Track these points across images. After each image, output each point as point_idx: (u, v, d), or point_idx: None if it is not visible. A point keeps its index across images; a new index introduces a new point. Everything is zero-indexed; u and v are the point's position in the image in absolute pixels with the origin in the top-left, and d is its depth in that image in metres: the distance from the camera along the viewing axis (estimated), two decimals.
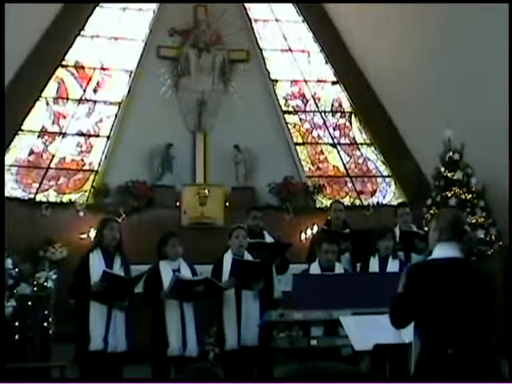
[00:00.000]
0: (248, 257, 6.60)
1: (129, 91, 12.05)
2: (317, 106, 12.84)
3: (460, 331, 3.58)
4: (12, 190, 11.13)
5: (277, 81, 12.77)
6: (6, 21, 8.54)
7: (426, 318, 3.67)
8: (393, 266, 6.62)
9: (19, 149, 11.46)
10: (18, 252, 7.58)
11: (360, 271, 7.04)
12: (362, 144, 12.73)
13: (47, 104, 11.84)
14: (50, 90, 11.84)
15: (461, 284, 3.65)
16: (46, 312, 7.04)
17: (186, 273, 6.37)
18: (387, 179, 12.56)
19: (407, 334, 4.48)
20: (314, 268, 6.53)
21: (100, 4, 12.37)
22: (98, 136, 11.99)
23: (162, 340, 6.08)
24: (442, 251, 3.74)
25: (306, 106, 12.88)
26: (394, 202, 11.36)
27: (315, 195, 11.98)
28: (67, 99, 12.03)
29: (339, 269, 6.52)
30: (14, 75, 11.09)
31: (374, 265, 6.71)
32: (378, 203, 12.07)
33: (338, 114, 12.88)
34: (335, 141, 12.69)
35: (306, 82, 12.92)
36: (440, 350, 3.57)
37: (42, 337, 6.92)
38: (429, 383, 3.52)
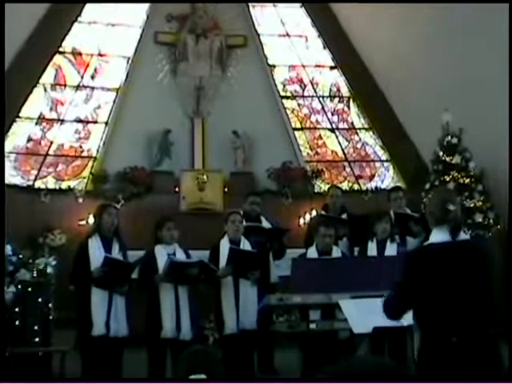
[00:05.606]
0: (245, 242, 6.61)
1: (126, 77, 12.03)
2: (315, 91, 12.82)
3: (463, 317, 3.53)
4: (11, 177, 11.12)
5: (274, 66, 12.74)
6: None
7: (427, 306, 3.61)
8: (391, 249, 6.64)
9: (17, 136, 11.46)
10: (17, 239, 7.58)
11: (358, 255, 7.05)
12: (360, 129, 12.72)
13: (45, 91, 11.81)
14: (48, 76, 11.82)
15: (458, 268, 3.59)
16: (46, 298, 7.05)
17: (180, 258, 6.38)
18: (385, 164, 12.57)
19: (406, 318, 4.50)
20: (312, 252, 6.54)
21: None
22: (96, 122, 11.99)
23: (157, 323, 6.11)
24: (435, 236, 3.73)
25: (304, 91, 12.86)
26: None
27: (314, 180, 12.00)
28: (65, 86, 12.01)
29: (336, 253, 6.54)
30: (11, 62, 11.04)
31: (372, 248, 6.72)
32: (376, 188, 12.08)
33: (337, 99, 12.87)
34: (333, 126, 12.69)
35: (303, 67, 12.90)
36: (444, 338, 3.53)
37: (43, 322, 6.93)
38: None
